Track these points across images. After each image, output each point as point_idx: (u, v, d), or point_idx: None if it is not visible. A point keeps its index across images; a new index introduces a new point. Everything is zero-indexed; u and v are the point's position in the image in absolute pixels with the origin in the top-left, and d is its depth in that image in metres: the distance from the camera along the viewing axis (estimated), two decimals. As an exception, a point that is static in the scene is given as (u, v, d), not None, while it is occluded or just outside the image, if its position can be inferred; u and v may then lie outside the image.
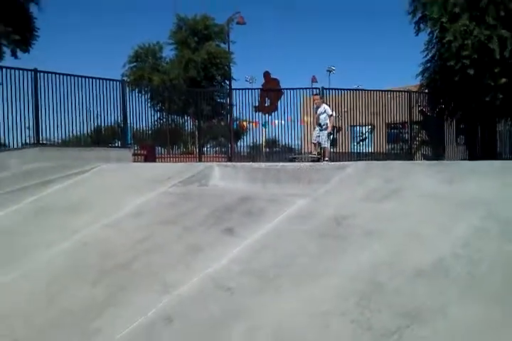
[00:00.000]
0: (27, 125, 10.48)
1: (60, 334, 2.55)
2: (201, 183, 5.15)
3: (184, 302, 2.58)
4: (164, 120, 16.65)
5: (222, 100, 18.79)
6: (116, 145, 13.64)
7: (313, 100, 10.88)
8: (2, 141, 10.54)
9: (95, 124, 12.31)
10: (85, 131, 12.20)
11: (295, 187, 4.35)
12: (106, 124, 12.83)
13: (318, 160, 9.58)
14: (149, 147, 13.90)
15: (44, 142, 10.83)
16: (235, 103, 14.96)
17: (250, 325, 2.25)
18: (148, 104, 15.34)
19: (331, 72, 43.20)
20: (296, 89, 14.89)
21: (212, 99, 18.11)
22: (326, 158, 9.80)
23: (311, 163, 6.56)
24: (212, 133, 17.62)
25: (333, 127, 10.93)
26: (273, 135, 16.34)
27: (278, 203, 3.85)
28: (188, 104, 16.70)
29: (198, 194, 4.74)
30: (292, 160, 11.74)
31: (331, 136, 10.80)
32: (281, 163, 5.21)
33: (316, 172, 4.55)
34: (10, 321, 2.79)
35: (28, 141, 10.82)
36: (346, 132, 15.78)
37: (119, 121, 12.66)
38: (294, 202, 3.75)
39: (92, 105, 11.66)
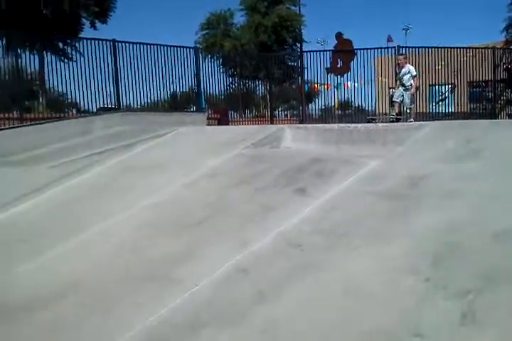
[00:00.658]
0: (108, 92, 11.06)
1: (143, 283, 2.73)
2: (273, 145, 5.21)
3: (257, 257, 2.69)
4: (236, 85, 16.76)
5: (293, 63, 18.46)
6: (191, 109, 14.02)
7: (397, 60, 10.41)
8: (86, 107, 11.24)
9: (171, 90, 12.73)
10: (162, 97, 12.67)
11: (368, 148, 4.28)
12: (181, 90, 13.24)
13: (398, 120, 9.20)
14: (222, 111, 14.15)
15: (124, 108, 11.37)
16: (306, 65, 14.63)
17: (320, 280, 2.31)
18: (221, 70, 15.45)
19: (407, 30, 40.80)
20: (369, 49, 14.20)
21: (283, 62, 17.85)
22: (412, 119, 9.40)
23: (385, 124, 6.37)
24: (283, 96, 17.50)
25: (416, 88, 10.39)
26: (345, 97, 15.89)
27: (350, 164, 3.83)
28: (259, 68, 16.63)
29: (270, 155, 4.81)
30: (370, 121, 11.36)
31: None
32: (353, 124, 5.12)
33: (391, 132, 4.44)
34: (98, 269, 3.05)
35: (109, 106, 11.44)
36: (424, 91, 14.95)
37: (193, 86, 12.98)
38: (367, 163, 3.71)
39: (167, 72, 12.01)
